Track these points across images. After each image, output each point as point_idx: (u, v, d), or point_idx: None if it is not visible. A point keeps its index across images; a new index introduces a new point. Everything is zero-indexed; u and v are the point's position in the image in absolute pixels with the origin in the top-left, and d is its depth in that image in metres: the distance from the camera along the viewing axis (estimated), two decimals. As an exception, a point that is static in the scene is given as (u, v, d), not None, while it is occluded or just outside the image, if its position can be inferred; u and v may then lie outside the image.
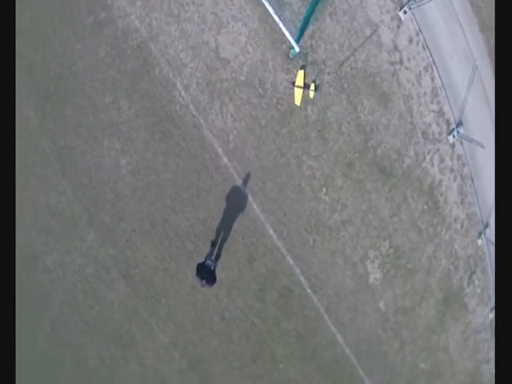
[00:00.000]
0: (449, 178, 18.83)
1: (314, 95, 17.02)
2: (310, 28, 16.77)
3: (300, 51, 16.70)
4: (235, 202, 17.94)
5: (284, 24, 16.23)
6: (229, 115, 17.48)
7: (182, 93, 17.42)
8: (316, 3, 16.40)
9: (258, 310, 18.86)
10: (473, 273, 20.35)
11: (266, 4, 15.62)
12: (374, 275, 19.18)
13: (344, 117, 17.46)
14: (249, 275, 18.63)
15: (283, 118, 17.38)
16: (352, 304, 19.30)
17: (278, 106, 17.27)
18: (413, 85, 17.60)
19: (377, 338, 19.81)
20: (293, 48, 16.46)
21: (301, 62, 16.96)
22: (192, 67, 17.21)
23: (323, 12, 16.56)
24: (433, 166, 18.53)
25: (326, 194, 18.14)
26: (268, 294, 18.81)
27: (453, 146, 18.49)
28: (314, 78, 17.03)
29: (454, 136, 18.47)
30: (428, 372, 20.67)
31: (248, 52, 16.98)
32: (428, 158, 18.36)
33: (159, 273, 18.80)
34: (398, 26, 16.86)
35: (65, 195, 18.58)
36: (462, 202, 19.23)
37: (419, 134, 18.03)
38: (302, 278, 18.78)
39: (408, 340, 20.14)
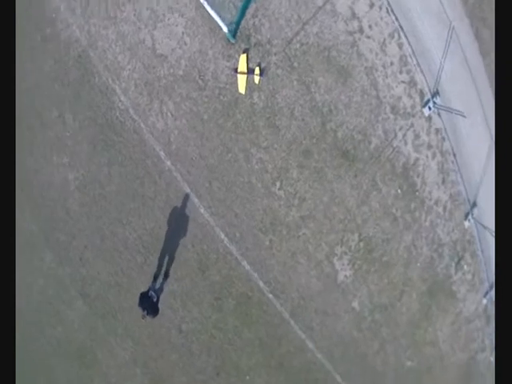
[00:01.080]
0: (426, 156, 17.87)
1: (260, 80, 16.30)
2: (253, 6, 15.93)
3: (241, 33, 16.14)
4: (181, 207, 17.70)
5: (222, 5, 15.83)
6: (169, 114, 17.17)
7: (122, 97, 17.32)
8: None
9: (215, 321, 18.59)
10: (461, 258, 19.63)
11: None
12: (344, 273, 18.51)
13: (296, 99, 16.64)
14: (202, 284, 18.30)
15: (227, 110, 16.79)
16: (320, 306, 18.77)
17: (221, 97, 16.70)
18: (376, 55, 16.63)
19: (352, 340, 19.33)
20: (229, 31, 15.95)
21: (243, 46, 16.24)
22: (130, 69, 17.06)
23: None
24: (406, 143, 17.57)
25: (280, 188, 17.44)
26: (225, 302, 18.42)
27: (429, 119, 17.49)
28: (258, 60, 16.32)
29: (429, 108, 17.40)
30: (416, 369, 20.24)
31: (185, 43, 16.55)
32: (400, 135, 17.43)
33: (113, 289, 18.74)
34: (356, -9, 15.20)
35: (23, 214, 18.60)
36: (444, 181, 18.35)
37: (387, 110, 17.04)
38: (260, 283, 18.32)
39: (389, 338, 19.60)
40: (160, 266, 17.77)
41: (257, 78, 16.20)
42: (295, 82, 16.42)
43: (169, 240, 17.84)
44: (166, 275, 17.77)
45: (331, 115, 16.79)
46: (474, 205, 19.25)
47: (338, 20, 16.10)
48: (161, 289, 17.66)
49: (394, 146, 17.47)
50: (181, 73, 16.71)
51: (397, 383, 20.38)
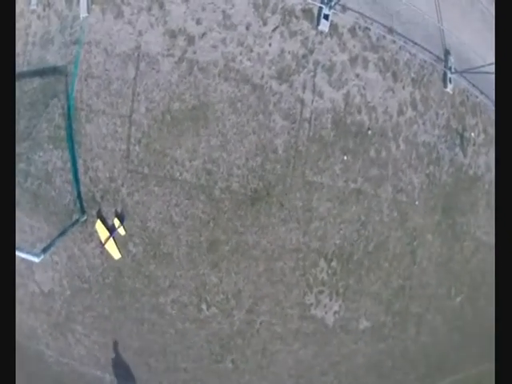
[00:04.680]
0: (356, 75, 21.70)
1: (124, 227, 21.45)
2: (80, 163, 21.00)
3: (85, 200, 21.14)
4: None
5: (59, 194, 21.30)
6: (82, 336, 23.04)
7: (49, 352, 23.86)
8: (72, 144, 21.08)
9: None
10: (463, 132, 24.16)
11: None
12: (332, 311, 23.27)
13: (167, 205, 21.19)
14: None
15: (117, 288, 22.03)
16: (325, 363, 23.95)
17: (106, 281, 22.03)
18: (223, 42, 20.64)
19: (382, 354, 24.58)
20: (80, 215, 21.45)
21: (94, 211, 21.40)
22: (38, 326, 23.41)
23: (81, 120, 21.03)
24: (321, 95, 21.54)
25: (209, 307, 22.13)
26: None
27: (334, 29, 21.18)
28: (113, 209, 21.31)
29: (326, 16, 20.89)
30: (469, 295, 25.89)
31: (56, 263, 22.20)
32: (308, 96, 21.33)
33: None
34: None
35: None
36: (395, 75, 22.36)
37: (274, 86, 20.98)
38: (246, 406, 24.27)
39: (423, 308, 24.74)
40: None
41: (121, 230, 21.38)
42: (156, 189, 21.03)
43: None
44: None
45: (211, 178, 20.98)
46: (448, 54, 23.55)
47: (160, 63, 20.50)
48: None
49: (308, 116, 21.42)
50: (68, 293, 22.37)
51: (452, 333, 26.22)
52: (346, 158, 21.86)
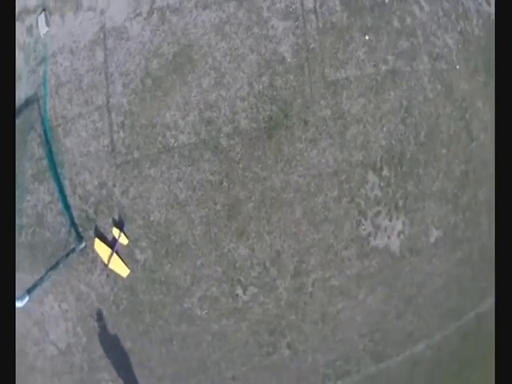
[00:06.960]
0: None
1: (126, 234, 17.84)
2: (67, 185, 18.18)
3: (79, 220, 18.39)
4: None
5: (54, 228, 18.65)
6: None
7: None
8: (54, 169, 18.40)
9: None
10: None
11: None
12: (395, 232, 18.79)
13: (168, 185, 17.77)
14: None
15: (134, 311, 18.47)
16: (399, 307, 19.80)
17: (121, 308, 18.53)
18: None
19: (459, 264, 20.74)
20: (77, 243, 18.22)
21: (91, 231, 18.22)
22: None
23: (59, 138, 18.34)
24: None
25: (245, 289, 18.15)
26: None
27: None
28: (110, 219, 18.07)
29: None
30: None
31: (67, 310, 19.15)
32: None
33: None
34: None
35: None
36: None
37: (266, 2, 17.46)
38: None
39: (490, 193, 20.68)
40: None
41: (124, 239, 17.74)
42: (152, 171, 17.71)
43: None
44: None
45: (213, 127, 17.51)
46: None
47: (128, 29, 17.93)
48: None
49: (311, 6, 17.55)
50: (85, 339, 18.98)
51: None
52: (367, 37, 17.91)
